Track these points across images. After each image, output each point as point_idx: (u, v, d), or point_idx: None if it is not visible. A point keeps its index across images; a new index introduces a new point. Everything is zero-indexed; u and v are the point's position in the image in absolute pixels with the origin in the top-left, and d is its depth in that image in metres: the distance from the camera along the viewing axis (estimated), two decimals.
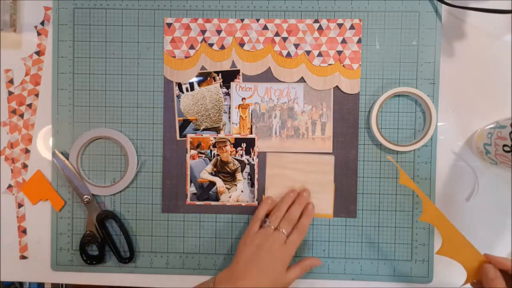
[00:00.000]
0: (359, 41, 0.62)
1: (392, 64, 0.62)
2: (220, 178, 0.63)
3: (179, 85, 0.63)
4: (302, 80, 0.62)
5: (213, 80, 0.63)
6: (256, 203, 0.63)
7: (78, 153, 0.63)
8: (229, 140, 0.63)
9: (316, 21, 0.62)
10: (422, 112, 0.62)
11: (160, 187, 0.63)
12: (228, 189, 0.63)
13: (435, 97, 0.61)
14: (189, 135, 0.63)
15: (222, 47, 0.62)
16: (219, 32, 0.62)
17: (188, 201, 0.63)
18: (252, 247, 0.55)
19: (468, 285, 0.54)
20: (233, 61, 0.62)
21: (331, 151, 0.62)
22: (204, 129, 0.63)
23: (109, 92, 0.63)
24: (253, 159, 0.63)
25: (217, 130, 0.63)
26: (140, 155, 0.63)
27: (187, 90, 0.63)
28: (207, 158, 0.63)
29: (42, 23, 0.63)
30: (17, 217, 0.64)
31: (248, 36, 0.62)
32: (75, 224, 0.64)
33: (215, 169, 0.63)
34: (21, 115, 0.64)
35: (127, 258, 0.62)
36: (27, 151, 0.64)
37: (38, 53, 0.63)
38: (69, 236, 0.64)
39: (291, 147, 0.63)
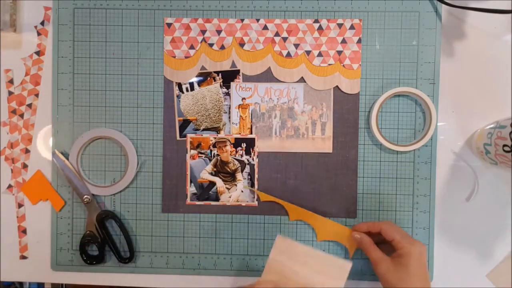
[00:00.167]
0: (359, 41, 0.62)
1: (392, 64, 0.62)
2: (220, 178, 0.63)
3: (179, 85, 0.63)
4: (302, 80, 0.62)
5: (213, 80, 0.63)
6: (256, 203, 0.63)
7: (78, 153, 0.63)
8: (229, 140, 0.63)
9: (316, 21, 0.62)
10: (422, 112, 0.62)
11: (160, 187, 0.63)
12: (228, 189, 0.63)
13: (435, 97, 0.61)
14: (189, 135, 0.63)
15: (222, 47, 0.62)
16: (219, 32, 0.62)
17: (188, 201, 0.63)
18: None
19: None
20: (233, 61, 0.62)
21: (331, 151, 0.62)
22: (204, 129, 0.63)
23: (109, 92, 0.63)
24: (253, 159, 0.63)
25: (217, 130, 0.63)
26: (140, 155, 0.63)
27: (187, 90, 0.63)
28: (207, 158, 0.63)
29: (42, 23, 0.63)
30: (17, 217, 0.64)
31: (248, 36, 0.62)
32: (75, 224, 0.64)
33: (215, 169, 0.63)
34: (21, 115, 0.64)
35: (127, 258, 0.62)
36: (27, 151, 0.64)
37: (38, 53, 0.63)
38: (69, 236, 0.64)
39: (291, 147, 0.63)
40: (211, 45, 0.62)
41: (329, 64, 0.62)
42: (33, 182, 0.63)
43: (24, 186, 0.64)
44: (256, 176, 0.63)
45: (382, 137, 0.61)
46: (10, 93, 0.64)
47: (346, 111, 0.62)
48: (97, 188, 0.63)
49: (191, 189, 0.63)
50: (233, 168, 0.63)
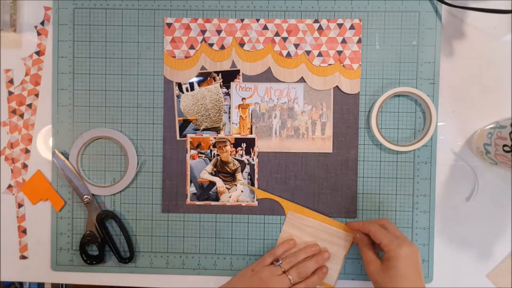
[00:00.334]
0: (359, 41, 0.62)
1: (392, 64, 0.62)
2: (220, 178, 0.63)
3: (179, 85, 0.63)
4: (302, 80, 0.62)
5: (213, 80, 0.63)
6: (256, 203, 0.63)
7: (78, 153, 0.63)
8: (229, 140, 0.63)
9: (316, 21, 0.62)
10: (422, 112, 0.62)
11: (160, 187, 0.63)
12: (228, 189, 0.63)
13: (435, 97, 0.61)
14: (189, 135, 0.63)
15: (222, 47, 0.62)
16: (219, 32, 0.62)
17: (188, 201, 0.63)
18: (256, 278, 0.57)
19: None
20: (233, 61, 0.62)
21: (331, 151, 0.62)
22: (204, 129, 0.63)
23: (109, 92, 0.63)
24: (253, 159, 0.63)
25: (217, 130, 0.63)
26: (140, 155, 0.63)
27: (187, 90, 0.63)
28: (207, 158, 0.63)
29: (42, 23, 0.63)
30: (17, 217, 0.64)
31: (248, 36, 0.62)
32: (75, 224, 0.64)
33: (215, 169, 0.63)
34: (21, 115, 0.64)
35: (127, 258, 0.62)
36: (27, 151, 0.64)
37: (38, 53, 0.63)
38: (69, 236, 0.64)
39: (291, 147, 0.63)
40: (211, 45, 0.62)
41: (329, 64, 0.62)
42: (33, 182, 0.63)
43: (24, 186, 0.64)
44: (256, 176, 0.63)
45: (382, 137, 0.61)
46: (10, 93, 0.64)
47: (346, 111, 0.62)
48: (97, 188, 0.63)
49: (191, 189, 0.63)
50: (233, 168, 0.63)
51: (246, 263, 0.63)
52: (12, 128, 0.64)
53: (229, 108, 0.63)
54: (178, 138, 0.63)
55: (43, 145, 0.64)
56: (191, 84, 0.63)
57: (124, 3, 0.63)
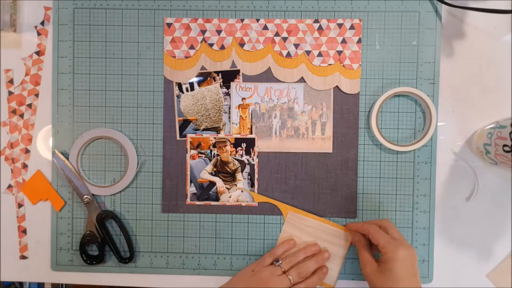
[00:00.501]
0: (359, 41, 0.62)
1: (392, 64, 0.62)
2: (220, 178, 0.63)
3: (179, 85, 0.63)
4: (302, 80, 0.62)
5: (213, 80, 0.63)
6: (256, 203, 0.63)
7: (78, 153, 0.63)
8: (229, 140, 0.63)
9: (316, 21, 0.62)
10: (422, 112, 0.62)
11: (160, 187, 0.63)
12: (228, 189, 0.63)
13: (435, 97, 0.61)
14: (189, 135, 0.63)
15: (222, 47, 0.62)
16: (219, 32, 0.62)
17: (188, 201, 0.63)
18: (256, 278, 0.57)
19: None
20: (233, 61, 0.62)
21: (331, 151, 0.62)
22: (204, 129, 0.63)
23: (109, 92, 0.63)
24: (253, 159, 0.63)
25: (217, 130, 0.63)
26: (140, 155, 0.63)
27: (187, 90, 0.63)
28: (207, 158, 0.63)
29: (42, 23, 0.63)
30: (17, 217, 0.64)
31: (248, 36, 0.62)
32: (75, 224, 0.64)
33: (215, 169, 0.63)
34: (21, 115, 0.64)
35: (127, 258, 0.62)
36: (27, 151, 0.64)
37: (38, 53, 0.63)
38: (69, 236, 0.64)
39: (291, 147, 0.63)
40: (211, 45, 0.62)
41: (329, 64, 0.62)
42: (33, 182, 0.63)
43: (24, 186, 0.64)
44: (256, 176, 0.63)
45: (382, 137, 0.61)
46: (10, 93, 0.64)
47: (346, 111, 0.62)
48: (97, 188, 0.63)
49: (191, 189, 0.63)
50: (233, 168, 0.63)
51: (246, 263, 0.63)
52: (12, 128, 0.64)
53: (229, 108, 0.63)
54: (178, 138, 0.63)
55: (43, 145, 0.64)
56: (191, 84, 0.63)
57: (124, 3, 0.63)
